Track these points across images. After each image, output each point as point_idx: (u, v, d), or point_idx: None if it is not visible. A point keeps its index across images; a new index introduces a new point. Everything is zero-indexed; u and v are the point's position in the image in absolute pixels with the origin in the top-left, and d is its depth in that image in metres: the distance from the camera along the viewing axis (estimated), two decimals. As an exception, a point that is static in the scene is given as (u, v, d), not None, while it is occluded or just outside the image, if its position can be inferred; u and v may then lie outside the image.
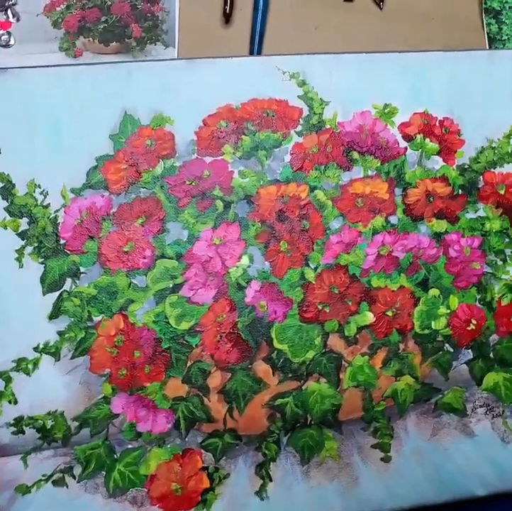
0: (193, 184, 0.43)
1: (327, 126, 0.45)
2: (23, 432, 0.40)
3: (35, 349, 0.40)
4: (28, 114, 0.41)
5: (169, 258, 0.42)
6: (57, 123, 0.42)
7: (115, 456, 0.41)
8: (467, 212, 0.47)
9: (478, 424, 0.46)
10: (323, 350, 0.44)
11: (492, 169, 0.48)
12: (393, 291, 0.45)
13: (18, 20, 0.46)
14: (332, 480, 0.43)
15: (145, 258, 0.42)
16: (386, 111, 0.46)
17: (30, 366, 0.40)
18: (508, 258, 0.47)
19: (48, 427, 0.40)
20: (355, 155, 0.45)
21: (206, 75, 0.44)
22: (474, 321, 0.46)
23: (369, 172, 0.45)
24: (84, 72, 0.42)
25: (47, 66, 0.42)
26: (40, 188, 0.41)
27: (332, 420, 0.43)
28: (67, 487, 0.40)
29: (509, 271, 0.47)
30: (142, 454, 0.41)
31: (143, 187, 0.42)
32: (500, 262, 0.47)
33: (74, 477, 0.40)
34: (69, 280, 0.41)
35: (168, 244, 0.42)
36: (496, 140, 0.48)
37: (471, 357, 0.46)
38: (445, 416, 0.45)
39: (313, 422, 0.43)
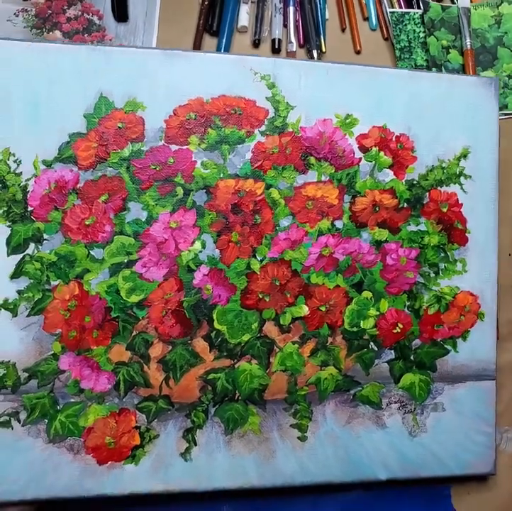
0: (158, 168, 0.56)
1: (290, 129, 0.59)
2: (-23, 376, 0.53)
3: (-5, 304, 0.53)
4: (6, 85, 0.54)
5: (126, 235, 0.55)
6: (35, 97, 0.54)
7: (58, 407, 0.55)
8: (409, 225, 0.61)
9: (390, 418, 0.61)
10: (258, 335, 0.58)
11: (439, 188, 0.62)
12: (329, 289, 0.59)
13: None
14: (251, 451, 0.58)
15: (104, 233, 0.55)
16: (347, 121, 0.60)
17: (-12, 318, 0.53)
18: (440, 271, 0.62)
19: (0, 375, 0.53)
20: (312, 159, 0.59)
21: (182, 67, 0.57)
22: (401, 325, 0.61)
23: (323, 177, 0.59)
24: (66, 50, 0.54)
25: (31, 41, 0.54)
26: (14, 156, 0.54)
27: (258, 398, 0.58)
28: (12, 429, 0.54)
29: (439, 283, 0.62)
30: (83, 408, 0.55)
31: (110, 167, 0.55)
32: (432, 275, 0.62)
33: (19, 422, 0.54)
34: (32, 245, 0.54)
35: (127, 222, 0.55)
36: (446, 161, 0.62)
37: (393, 357, 0.61)
38: (361, 407, 0.61)
39: (240, 398, 0.58)
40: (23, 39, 0.53)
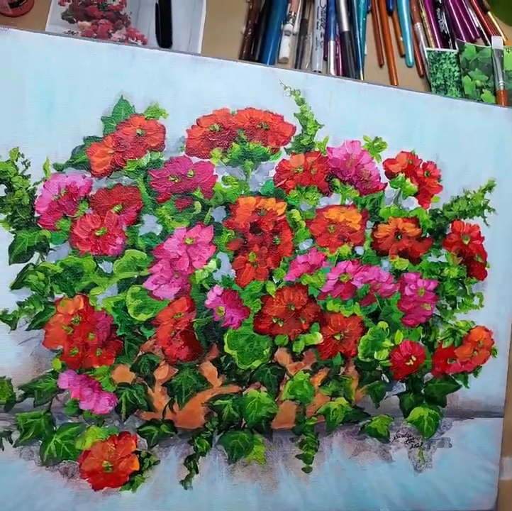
0: (176, 181, 0.49)
1: (316, 149, 0.52)
2: (-32, 392, 0.46)
3: (-7, 315, 0.46)
4: (20, 77, 0.46)
5: (138, 249, 0.49)
6: (51, 94, 0.47)
7: (54, 428, 0.48)
8: (430, 255, 0.56)
9: (397, 451, 0.56)
10: (269, 361, 0.52)
11: (462, 219, 0.56)
12: (345, 317, 0.53)
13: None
14: (254, 481, 0.52)
15: (115, 246, 0.48)
16: (375, 144, 0.54)
17: (-16, 330, 0.46)
18: (457, 305, 0.57)
19: (-7, 391, 0.46)
20: (337, 182, 0.53)
21: (210, 75, 0.50)
22: (414, 358, 0.55)
23: (347, 201, 0.53)
24: (88, 47, 0.47)
25: (50, 33, 0.47)
26: (22, 157, 0.47)
27: (265, 427, 0.52)
28: (3, 449, 0.47)
29: (456, 317, 0.57)
30: (80, 430, 0.49)
31: (126, 175, 0.49)
32: (449, 308, 0.57)
33: (11, 442, 0.47)
34: (37, 254, 0.47)
35: (140, 236, 0.49)
36: (471, 192, 0.56)
37: (404, 390, 0.56)
38: (369, 439, 0.55)
39: (246, 426, 0.52)
40: (39, 30, 0.46)
